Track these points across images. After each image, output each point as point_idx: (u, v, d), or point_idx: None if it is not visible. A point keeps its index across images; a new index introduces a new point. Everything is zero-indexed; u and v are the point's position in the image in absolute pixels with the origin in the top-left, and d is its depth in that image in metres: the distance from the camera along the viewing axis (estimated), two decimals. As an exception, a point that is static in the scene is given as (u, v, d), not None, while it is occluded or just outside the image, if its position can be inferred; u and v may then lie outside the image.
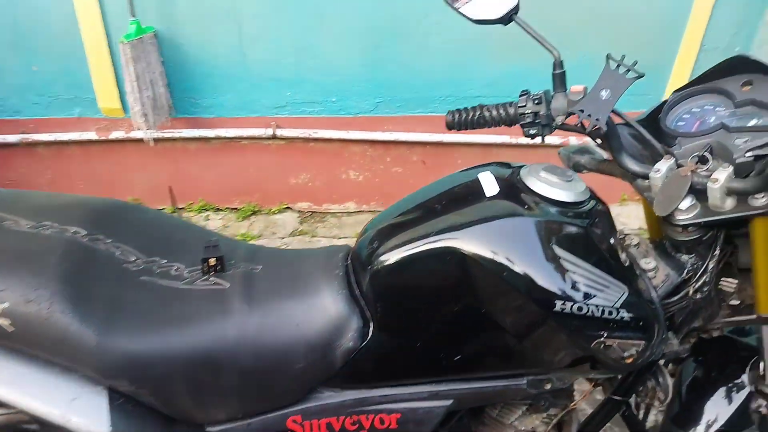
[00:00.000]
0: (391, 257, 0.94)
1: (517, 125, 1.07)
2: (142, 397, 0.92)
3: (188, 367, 0.92)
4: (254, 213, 3.18)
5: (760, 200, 0.88)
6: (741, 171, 0.90)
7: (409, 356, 0.99)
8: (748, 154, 0.90)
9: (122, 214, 1.08)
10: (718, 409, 1.22)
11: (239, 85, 2.79)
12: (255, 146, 2.98)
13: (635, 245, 1.07)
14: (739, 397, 1.22)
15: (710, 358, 1.26)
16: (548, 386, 1.02)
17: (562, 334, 0.92)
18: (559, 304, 0.88)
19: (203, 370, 0.93)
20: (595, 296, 0.89)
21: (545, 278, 0.88)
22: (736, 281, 1.08)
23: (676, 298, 1.02)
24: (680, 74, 2.68)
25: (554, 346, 0.95)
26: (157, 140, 2.86)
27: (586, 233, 0.91)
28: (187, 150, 2.99)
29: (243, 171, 3.07)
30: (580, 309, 0.88)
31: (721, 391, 1.24)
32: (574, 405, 1.15)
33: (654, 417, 1.35)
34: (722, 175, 0.87)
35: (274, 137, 2.91)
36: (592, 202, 0.97)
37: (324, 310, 0.96)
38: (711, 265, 1.02)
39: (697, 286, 1.03)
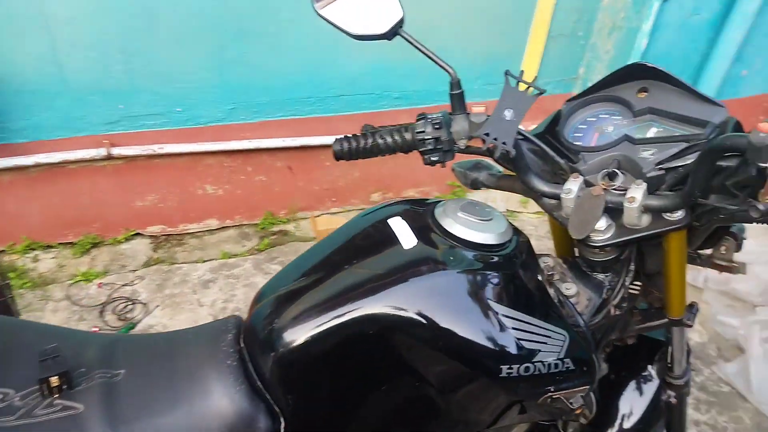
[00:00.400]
0: (300, 334, 0.76)
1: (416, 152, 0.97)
2: None
3: None
4: (95, 245, 2.74)
5: (675, 215, 0.85)
6: (652, 185, 0.87)
7: None
8: (659, 167, 0.87)
9: None
10: (631, 404, 1.24)
11: (58, 101, 2.33)
12: (87, 170, 2.53)
13: (551, 268, 1.01)
14: (649, 391, 1.25)
15: (617, 356, 1.27)
16: None
17: (507, 397, 0.82)
18: (505, 369, 0.77)
19: None
20: (540, 351, 0.79)
21: (487, 342, 0.76)
22: (640, 284, 1.08)
23: (598, 319, 0.98)
24: (530, 62, 2.77)
25: (497, 408, 0.84)
26: (-46, 176, 2.31)
27: (519, 280, 0.81)
28: (-1, 183, 2.46)
29: (75, 199, 2.60)
30: (527, 369, 0.78)
31: (632, 387, 1.25)
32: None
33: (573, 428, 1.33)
34: (638, 193, 0.83)
35: (109, 157, 2.49)
36: (515, 239, 0.87)
37: (219, 417, 0.76)
38: (627, 281, 1.00)
39: (616, 302, 1.00)
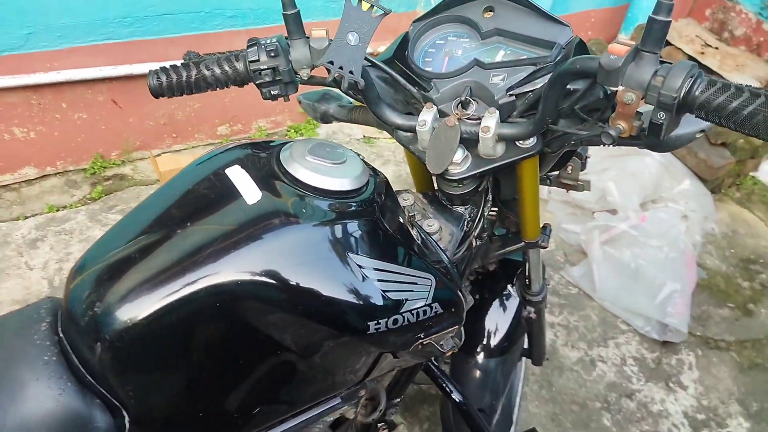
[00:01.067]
0: (132, 315, 0.63)
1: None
2: None
3: None
4: None
5: (527, 143, 0.83)
6: (504, 112, 0.83)
7: None
8: (509, 93, 0.83)
9: None
10: (495, 323, 1.30)
11: None
12: None
13: (411, 206, 0.96)
14: (511, 308, 1.31)
15: (479, 280, 1.30)
16: (363, 392, 0.88)
17: (377, 351, 0.77)
18: (372, 325, 0.71)
19: None
20: (407, 300, 0.74)
21: (352, 299, 0.69)
22: (496, 209, 1.08)
23: (461, 253, 0.96)
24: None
25: (368, 363, 0.79)
26: None
27: (380, 226, 0.74)
28: None
29: None
30: (395, 322, 0.73)
31: (495, 307, 1.31)
32: (387, 385, 1.06)
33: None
34: (492, 122, 0.80)
35: None
36: (372, 181, 0.79)
37: (44, 426, 0.62)
38: (486, 211, 0.98)
39: (476, 233, 0.98)
